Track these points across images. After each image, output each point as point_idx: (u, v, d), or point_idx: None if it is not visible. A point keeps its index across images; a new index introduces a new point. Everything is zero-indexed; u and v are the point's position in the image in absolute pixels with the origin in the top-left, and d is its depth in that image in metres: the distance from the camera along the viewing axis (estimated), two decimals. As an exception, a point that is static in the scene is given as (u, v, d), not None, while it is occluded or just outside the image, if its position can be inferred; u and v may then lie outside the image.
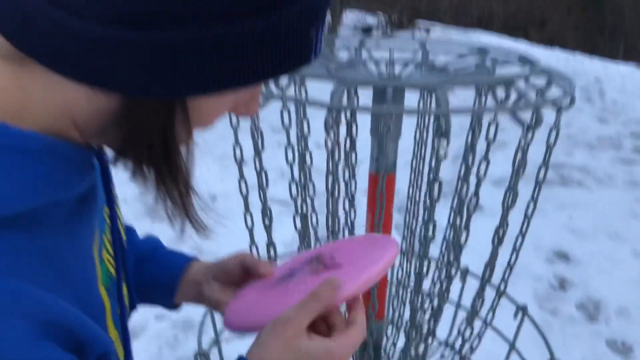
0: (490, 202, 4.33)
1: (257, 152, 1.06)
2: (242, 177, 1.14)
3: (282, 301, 0.64)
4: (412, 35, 10.76)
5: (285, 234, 3.24)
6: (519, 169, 1.07)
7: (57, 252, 0.44)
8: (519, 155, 1.05)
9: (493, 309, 1.33)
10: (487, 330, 1.39)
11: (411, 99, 1.41)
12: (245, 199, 1.12)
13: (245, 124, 1.17)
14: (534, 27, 16.89)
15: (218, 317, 1.68)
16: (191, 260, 0.79)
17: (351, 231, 1.37)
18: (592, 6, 20.30)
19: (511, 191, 1.10)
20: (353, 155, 1.31)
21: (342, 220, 1.36)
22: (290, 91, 1.08)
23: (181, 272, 0.78)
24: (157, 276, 0.77)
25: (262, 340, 0.58)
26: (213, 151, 4.51)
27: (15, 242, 0.40)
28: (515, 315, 1.44)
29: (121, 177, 0.56)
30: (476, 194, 1.15)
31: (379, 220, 1.04)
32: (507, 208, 1.12)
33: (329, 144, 0.96)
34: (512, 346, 1.51)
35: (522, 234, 1.22)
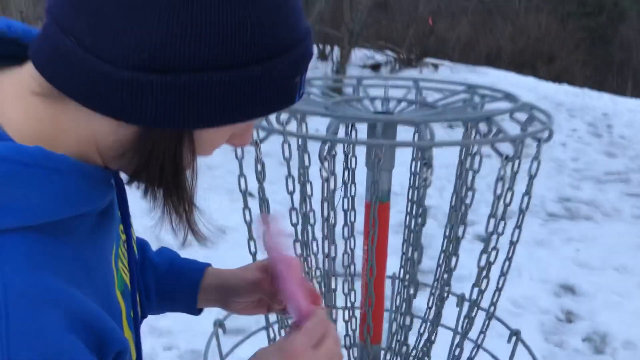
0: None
1: (260, 181, 1.15)
2: (247, 206, 1.23)
3: None
4: (420, 71, 10.95)
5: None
6: (500, 197, 1.14)
7: (83, 256, 0.53)
8: (500, 184, 1.11)
9: (483, 331, 1.38)
10: (481, 353, 1.44)
11: (410, 131, 1.50)
12: (249, 226, 1.20)
13: (250, 157, 1.25)
14: (542, 63, 17.06)
15: (224, 346, 1.74)
16: (206, 267, 0.88)
17: (351, 258, 1.44)
18: (600, 42, 20.50)
19: (494, 218, 1.17)
20: (352, 186, 1.39)
21: (342, 249, 1.43)
22: (291, 126, 1.17)
23: (199, 282, 0.86)
24: (176, 288, 0.85)
25: None
26: (222, 185, 4.62)
27: (49, 246, 0.49)
28: (509, 339, 1.49)
29: (133, 195, 0.65)
30: (463, 222, 1.22)
31: (371, 244, 1.12)
32: (490, 235, 1.18)
33: (324, 174, 1.04)
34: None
35: (508, 258, 1.27)
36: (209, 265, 0.88)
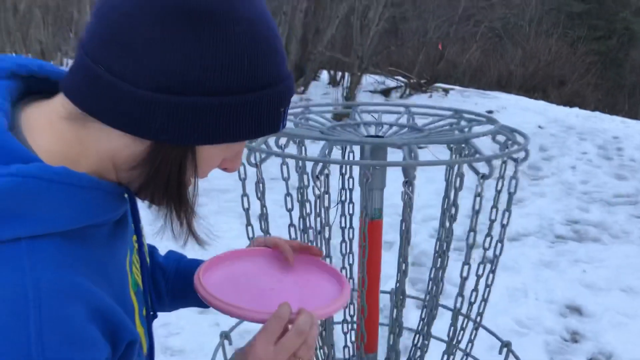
0: (504, 257, 4.42)
1: (260, 199, 1.25)
2: (249, 223, 1.33)
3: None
4: (430, 96, 11.06)
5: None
6: (478, 211, 1.22)
7: (101, 259, 0.63)
8: (477, 200, 1.20)
9: (472, 340, 1.45)
10: (470, 361, 1.51)
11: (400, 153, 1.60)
12: (251, 241, 1.29)
13: (253, 178, 1.36)
14: (553, 87, 17.11)
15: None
16: None
17: (349, 274, 1.52)
18: (611, 66, 20.53)
19: (473, 231, 1.25)
20: (351, 205, 1.49)
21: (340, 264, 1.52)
22: (291, 149, 1.27)
23: None
24: (185, 285, 0.94)
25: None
26: (234, 209, 4.73)
27: (74, 249, 0.59)
28: (500, 350, 1.56)
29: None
30: (447, 239, 1.31)
31: (362, 257, 1.21)
32: (470, 247, 1.26)
33: (316, 191, 1.14)
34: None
35: (492, 270, 1.35)
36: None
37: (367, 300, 1.25)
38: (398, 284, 1.23)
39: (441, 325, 1.76)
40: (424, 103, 10.64)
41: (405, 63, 14.16)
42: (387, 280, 2.56)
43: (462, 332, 1.42)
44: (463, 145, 1.19)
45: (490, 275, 1.41)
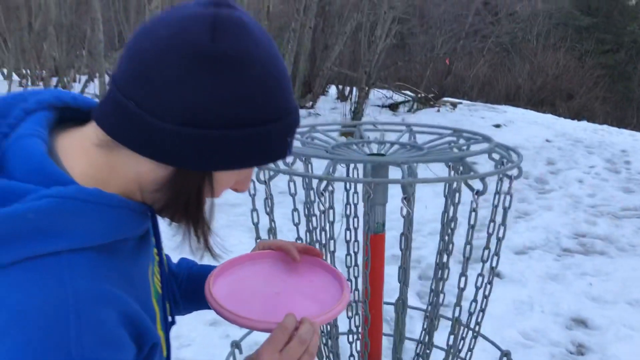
0: (510, 270, 4.46)
1: (269, 214, 1.32)
2: (259, 237, 1.40)
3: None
4: (438, 110, 11.14)
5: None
6: (474, 225, 1.29)
7: (128, 270, 0.71)
8: (472, 215, 1.27)
9: (471, 349, 1.51)
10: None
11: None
12: (256, 244, 1.37)
13: (262, 194, 1.44)
14: (561, 101, 17.13)
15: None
16: None
17: (354, 286, 1.59)
18: (619, 79, 20.52)
19: (469, 245, 1.32)
20: (355, 219, 1.56)
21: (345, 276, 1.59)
22: (298, 166, 1.35)
23: None
24: (198, 289, 1.02)
25: None
26: (244, 223, 4.81)
27: (105, 261, 0.67)
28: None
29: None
30: (447, 251, 1.38)
31: (366, 268, 1.28)
32: (466, 259, 1.33)
33: (321, 207, 1.21)
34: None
35: (489, 281, 1.41)
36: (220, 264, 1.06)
37: (370, 310, 1.32)
38: (402, 299, 1.30)
39: (445, 336, 1.82)
40: (431, 117, 10.70)
41: (413, 77, 14.27)
42: (393, 293, 2.62)
43: (462, 341, 1.48)
44: (459, 163, 1.26)
45: (488, 286, 1.47)
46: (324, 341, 1.52)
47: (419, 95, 11.68)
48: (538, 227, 5.41)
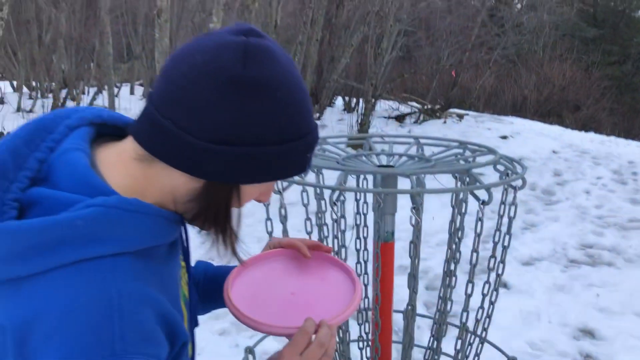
0: (517, 281, 4.48)
1: (283, 223, 1.38)
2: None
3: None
4: (444, 122, 11.19)
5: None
6: (480, 234, 1.34)
7: (162, 273, 0.77)
8: (478, 224, 1.32)
9: (478, 354, 1.55)
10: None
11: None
12: (267, 243, 1.42)
13: (274, 206, 1.49)
14: (568, 112, 17.14)
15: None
16: (234, 268, 1.10)
17: (364, 293, 1.63)
18: (627, 90, 20.52)
19: (475, 252, 1.36)
20: (365, 229, 1.61)
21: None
22: (310, 177, 1.40)
23: None
24: (214, 289, 1.07)
25: None
26: (252, 234, 4.86)
27: (143, 265, 0.72)
28: (506, 366, 1.65)
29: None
30: (455, 259, 1.42)
31: (377, 275, 1.32)
32: (473, 266, 1.37)
33: (333, 216, 1.26)
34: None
35: (495, 288, 1.45)
36: (235, 266, 1.11)
37: (380, 316, 1.36)
38: (411, 305, 1.35)
39: (452, 345, 1.86)
40: (438, 129, 10.73)
41: (419, 89, 14.34)
42: (401, 303, 2.66)
43: (469, 347, 1.52)
44: (466, 174, 1.31)
45: (494, 293, 1.51)
46: (335, 347, 1.57)
47: (425, 107, 11.74)
48: (545, 238, 5.43)
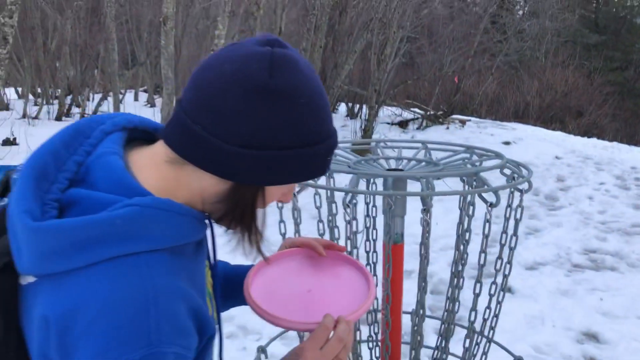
0: (521, 285, 4.51)
1: (296, 224, 1.42)
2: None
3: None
4: (447, 128, 11.24)
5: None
6: (488, 235, 1.38)
7: (192, 270, 0.81)
8: (487, 225, 1.36)
9: (485, 352, 1.59)
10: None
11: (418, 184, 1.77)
12: (282, 242, 1.46)
13: (287, 210, 1.54)
14: (570, 118, 17.18)
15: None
16: (251, 267, 1.15)
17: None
18: (629, 96, 20.55)
19: (483, 253, 1.41)
20: (374, 231, 1.65)
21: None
22: (320, 181, 1.45)
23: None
24: (233, 287, 1.11)
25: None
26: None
27: (175, 261, 0.77)
28: (513, 365, 1.69)
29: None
30: (462, 260, 1.46)
31: (387, 276, 1.37)
32: (481, 266, 1.41)
33: (347, 217, 1.31)
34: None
35: (502, 288, 1.50)
36: (253, 265, 1.15)
37: (390, 315, 1.40)
38: (420, 304, 1.39)
39: (459, 347, 1.90)
40: (440, 134, 10.77)
41: (422, 95, 14.40)
42: (408, 306, 2.70)
43: (477, 346, 1.56)
44: (474, 177, 1.36)
45: (501, 293, 1.55)
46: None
47: (428, 113, 11.79)
48: (548, 243, 5.46)
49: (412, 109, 12.02)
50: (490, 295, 1.53)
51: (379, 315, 1.69)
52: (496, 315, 1.58)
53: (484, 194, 1.30)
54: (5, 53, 4.61)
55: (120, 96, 12.13)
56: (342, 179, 1.53)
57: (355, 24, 11.25)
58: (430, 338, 3.29)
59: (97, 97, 12.74)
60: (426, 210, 1.23)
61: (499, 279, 1.51)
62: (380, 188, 1.66)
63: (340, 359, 0.91)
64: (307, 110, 0.78)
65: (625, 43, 23.01)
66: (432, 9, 12.21)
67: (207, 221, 0.86)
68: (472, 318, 1.50)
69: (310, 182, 1.38)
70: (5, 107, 11.64)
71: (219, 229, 0.89)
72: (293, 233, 1.56)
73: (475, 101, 14.81)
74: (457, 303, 1.56)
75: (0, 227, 0.79)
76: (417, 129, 11.22)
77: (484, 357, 1.60)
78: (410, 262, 3.91)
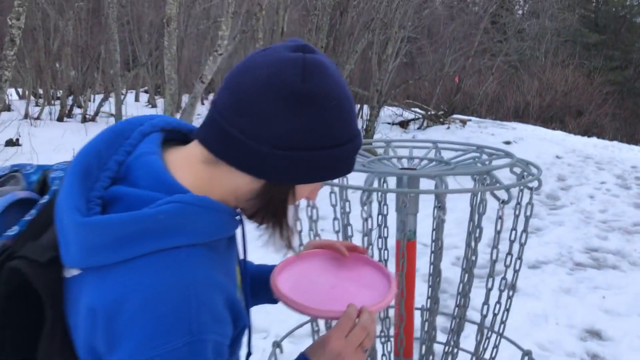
0: (524, 284, 4.56)
1: (314, 221, 1.47)
2: (302, 244, 1.54)
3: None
4: (447, 127, 11.29)
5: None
6: (500, 231, 1.42)
7: (226, 263, 0.86)
8: (499, 222, 1.40)
9: (496, 345, 1.63)
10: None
11: (429, 183, 1.81)
12: (305, 244, 1.51)
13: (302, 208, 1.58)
14: (570, 117, 17.22)
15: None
16: (275, 267, 1.19)
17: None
18: (629, 95, 20.60)
19: (495, 249, 1.45)
20: (385, 229, 1.69)
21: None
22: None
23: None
24: (257, 286, 1.15)
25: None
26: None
27: (212, 255, 0.82)
28: (522, 359, 1.73)
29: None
30: (473, 257, 1.51)
31: (402, 271, 1.41)
32: (493, 262, 1.46)
33: (364, 215, 1.35)
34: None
35: (513, 284, 1.54)
36: (276, 266, 1.20)
37: (405, 309, 1.45)
38: (431, 299, 1.43)
39: (469, 343, 1.94)
40: (441, 134, 10.82)
41: (422, 95, 14.44)
42: (416, 303, 2.75)
43: (487, 340, 1.60)
44: (485, 175, 1.40)
45: (511, 289, 1.59)
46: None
47: (429, 113, 11.84)
48: (550, 242, 5.51)
49: (413, 109, 12.06)
50: (500, 291, 1.57)
51: (391, 311, 1.73)
52: (507, 310, 1.62)
53: (495, 192, 1.35)
54: (12, 55, 4.65)
55: (122, 97, 12.17)
56: (357, 177, 1.57)
57: (356, 24, 11.28)
58: (440, 334, 3.33)
59: (99, 97, 12.77)
60: (441, 207, 1.28)
61: (509, 275, 1.55)
62: (392, 186, 1.70)
63: (364, 346, 0.95)
64: (336, 113, 0.82)
65: (625, 42, 23.07)
66: (433, 9, 12.25)
67: (240, 218, 0.90)
68: (485, 312, 1.54)
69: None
70: (7, 108, 11.68)
71: (250, 225, 0.93)
72: (308, 231, 1.60)
73: (475, 101, 14.85)
74: (467, 298, 1.60)
75: (45, 222, 0.83)
76: (418, 129, 11.26)
77: (495, 350, 1.64)
78: (417, 261, 3.96)
